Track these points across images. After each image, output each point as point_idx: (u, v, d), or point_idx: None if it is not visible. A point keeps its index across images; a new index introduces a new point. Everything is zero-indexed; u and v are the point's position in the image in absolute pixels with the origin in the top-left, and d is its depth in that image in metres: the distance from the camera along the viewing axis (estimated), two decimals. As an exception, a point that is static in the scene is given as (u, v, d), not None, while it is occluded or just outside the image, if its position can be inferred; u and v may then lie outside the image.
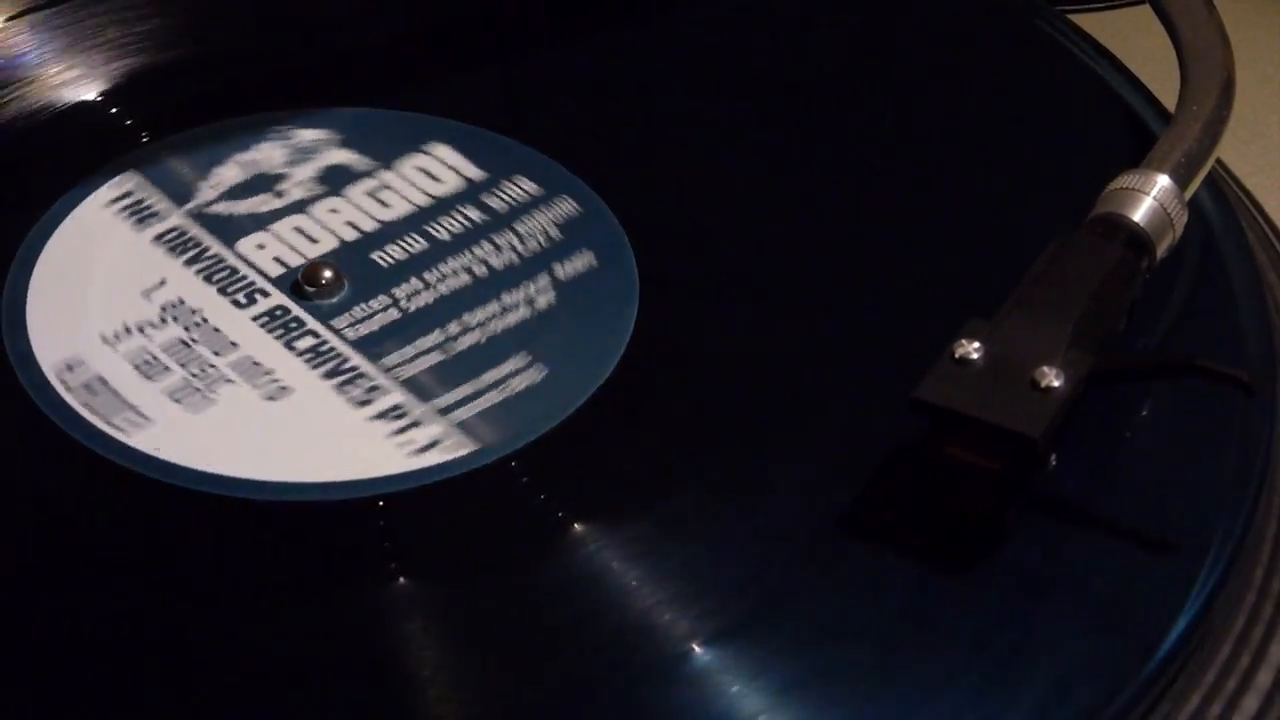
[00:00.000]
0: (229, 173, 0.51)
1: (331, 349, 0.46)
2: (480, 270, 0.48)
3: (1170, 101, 0.51)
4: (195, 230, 0.49)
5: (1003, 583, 0.41)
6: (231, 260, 0.48)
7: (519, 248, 0.49)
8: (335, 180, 0.51)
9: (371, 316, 0.47)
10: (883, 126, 0.54)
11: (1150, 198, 0.45)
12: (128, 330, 0.46)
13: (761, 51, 0.57)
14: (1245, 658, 0.41)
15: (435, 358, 0.46)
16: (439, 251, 0.49)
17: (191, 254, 0.48)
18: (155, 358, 0.45)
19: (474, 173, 0.51)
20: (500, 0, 0.59)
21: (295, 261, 0.48)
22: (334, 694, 0.38)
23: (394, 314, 0.47)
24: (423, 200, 0.50)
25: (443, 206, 0.50)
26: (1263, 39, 0.66)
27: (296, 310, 0.47)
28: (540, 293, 0.48)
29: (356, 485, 0.43)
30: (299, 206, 0.50)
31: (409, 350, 0.46)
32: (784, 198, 0.51)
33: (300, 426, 0.44)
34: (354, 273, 0.48)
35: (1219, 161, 0.52)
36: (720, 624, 0.39)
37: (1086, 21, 0.59)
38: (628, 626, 0.40)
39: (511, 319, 0.47)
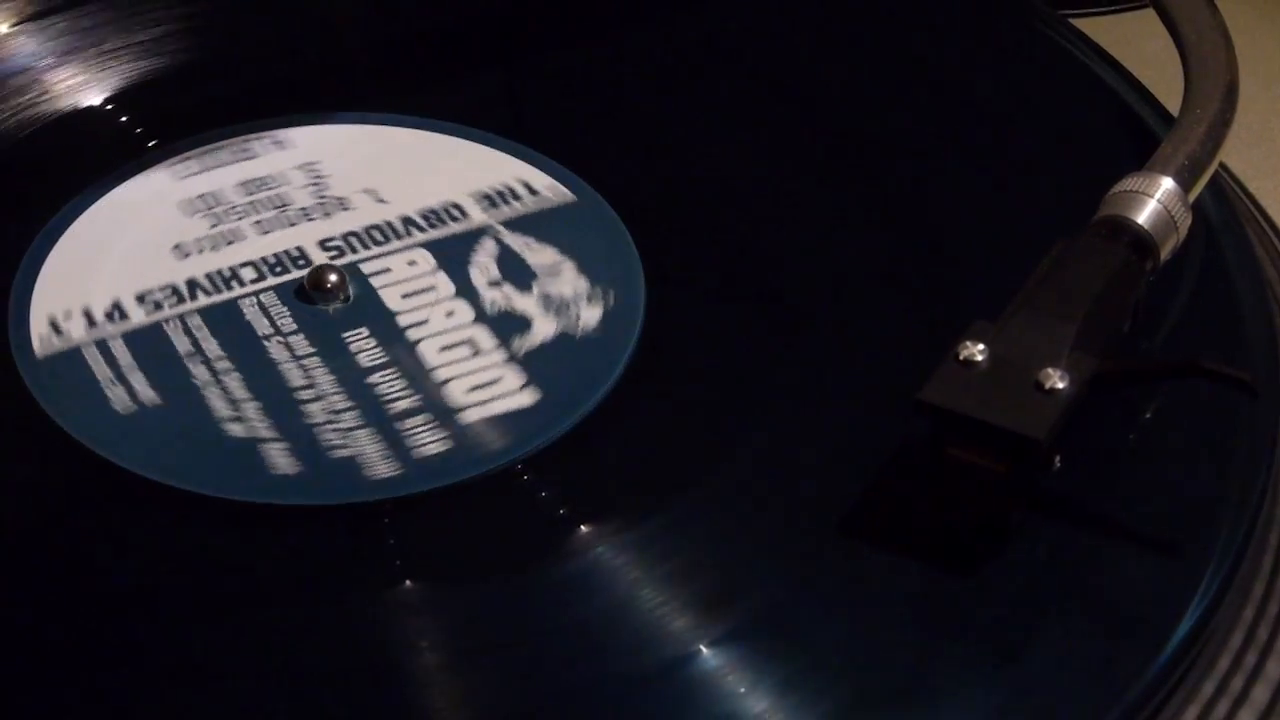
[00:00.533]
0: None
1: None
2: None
3: (1174, 105, 0.51)
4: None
5: (1007, 585, 0.40)
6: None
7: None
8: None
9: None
10: (886, 130, 0.54)
11: (1154, 200, 0.45)
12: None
13: (763, 55, 0.57)
14: (1251, 658, 0.41)
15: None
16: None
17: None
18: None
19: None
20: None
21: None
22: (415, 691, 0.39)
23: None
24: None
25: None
26: (1267, 43, 0.66)
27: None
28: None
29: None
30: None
31: None
32: (788, 201, 0.51)
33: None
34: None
35: (1223, 165, 0.52)
36: (725, 626, 0.39)
37: (1090, 25, 0.59)
38: (638, 625, 0.40)
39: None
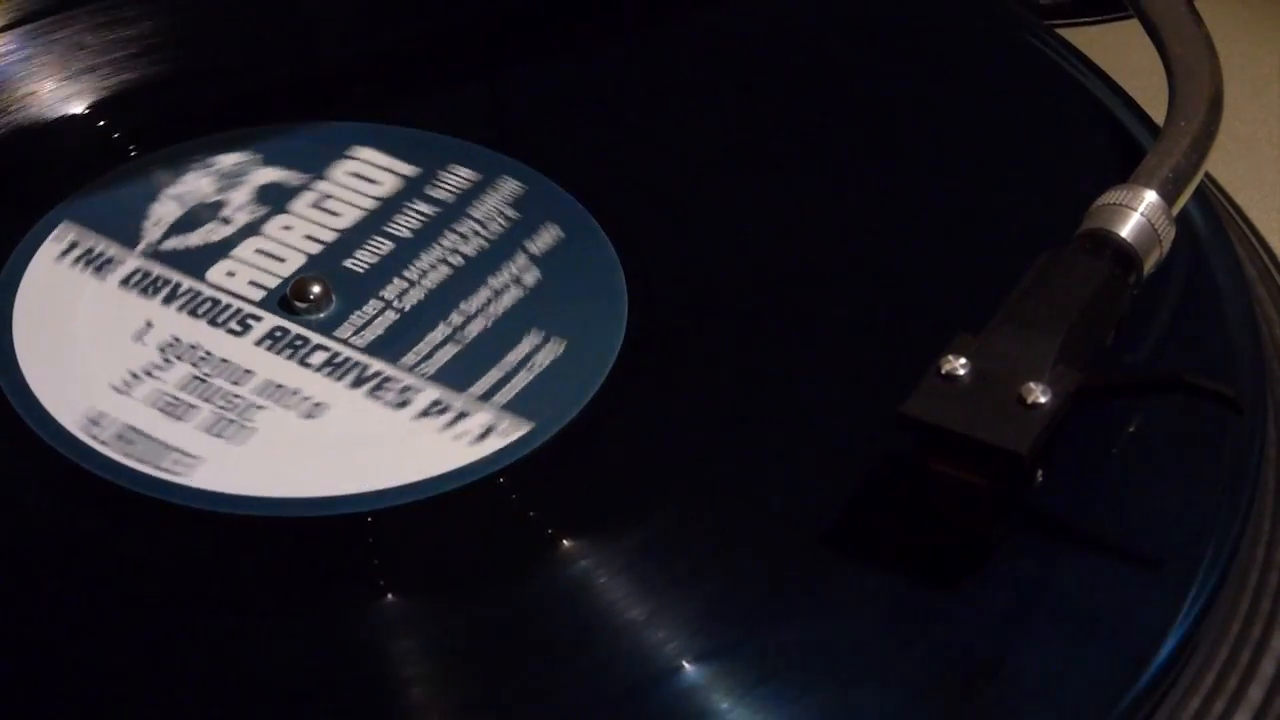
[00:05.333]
0: (166, 209, 0.50)
1: (347, 359, 0.46)
2: (456, 260, 0.49)
3: (1160, 116, 0.51)
4: (159, 269, 0.48)
5: (990, 599, 0.40)
6: (208, 291, 0.48)
7: (483, 232, 0.49)
8: (274, 198, 0.50)
9: (371, 322, 0.47)
10: (871, 140, 0.53)
11: (1138, 214, 0.45)
12: (135, 376, 0.45)
13: (749, 62, 0.57)
14: (1234, 679, 0.41)
15: (451, 349, 0.46)
16: (408, 249, 0.49)
17: (165, 292, 0.48)
18: (176, 397, 0.45)
19: (407, 169, 0.51)
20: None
21: (272, 282, 0.48)
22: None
23: (392, 315, 0.47)
24: (369, 203, 0.50)
25: (392, 206, 0.50)
26: (1252, 53, 0.66)
27: (295, 328, 0.47)
28: (523, 271, 0.48)
29: (432, 483, 0.43)
30: (251, 229, 0.49)
31: (423, 346, 0.46)
32: (770, 212, 0.51)
33: (350, 438, 0.44)
34: (335, 283, 0.48)
35: (1208, 175, 0.51)
36: (709, 639, 0.39)
37: (1075, 36, 0.58)
38: (620, 638, 0.40)
39: (507, 300, 0.47)
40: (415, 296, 0.48)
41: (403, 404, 0.45)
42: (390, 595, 0.41)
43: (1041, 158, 0.53)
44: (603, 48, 0.57)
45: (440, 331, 0.47)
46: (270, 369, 0.46)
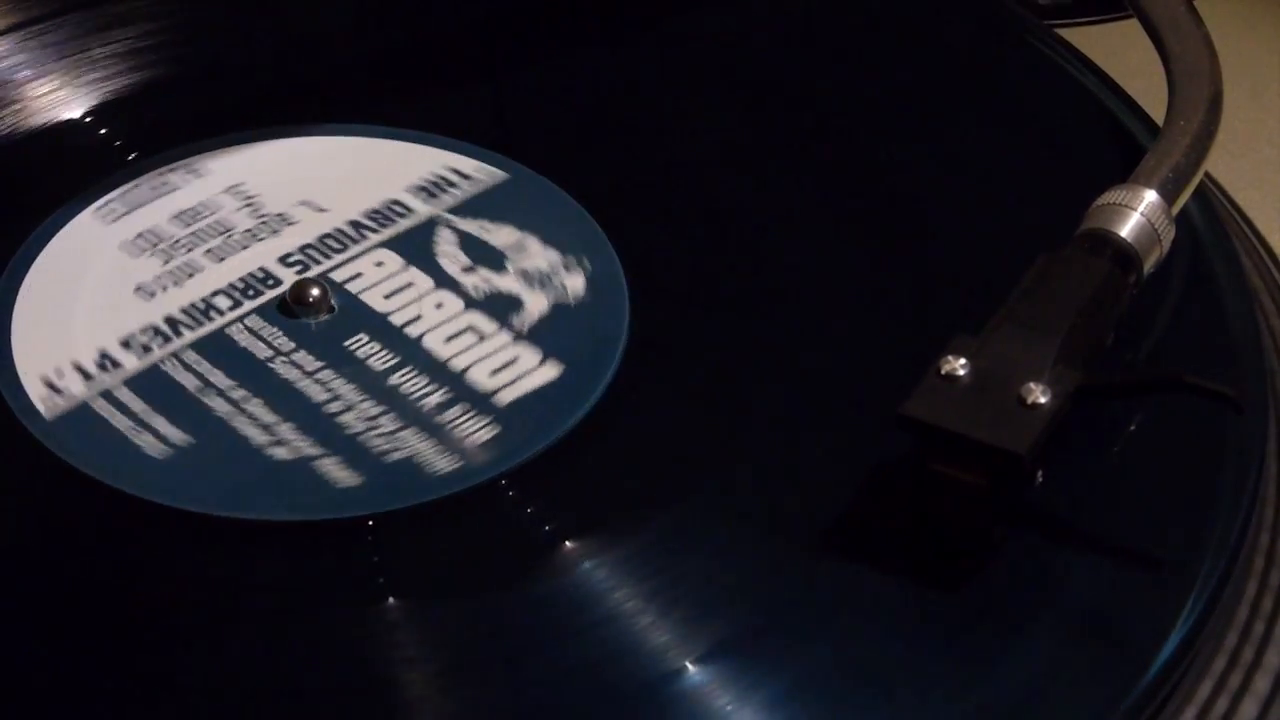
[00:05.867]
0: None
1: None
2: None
3: (1160, 116, 0.51)
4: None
5: (991, 600, 0.40)
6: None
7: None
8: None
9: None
10: (870, 140, 0.53)
11: (1137, 213, 0.45)
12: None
13: (748, 62, 0.57)
14: (1236, 677, 0.41)
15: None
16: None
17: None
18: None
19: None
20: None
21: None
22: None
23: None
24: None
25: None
26: (1253, 52, 0.66)
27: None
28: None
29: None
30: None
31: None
32: (768, 212, 0.51)
33: None
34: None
35: (1209, 175, 0.51)
36: (711, 639, 0.39)
37: (1075, 36, 0.58)
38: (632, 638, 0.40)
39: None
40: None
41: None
42: (392, 599, 0.41)
43: (1041, 157, 0.53)
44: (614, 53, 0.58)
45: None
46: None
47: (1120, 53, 0.60)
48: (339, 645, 0.40)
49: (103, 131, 0.54)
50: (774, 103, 0.55)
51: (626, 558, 0.41)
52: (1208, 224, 0.50)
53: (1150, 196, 0.46)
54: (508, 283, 0.48)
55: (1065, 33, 0.58)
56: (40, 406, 0.45)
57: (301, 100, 0.55)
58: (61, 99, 0.54)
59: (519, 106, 0.56)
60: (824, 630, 0.40)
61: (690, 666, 0.39)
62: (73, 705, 0.39)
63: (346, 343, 0.46)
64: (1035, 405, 0.40)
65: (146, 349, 0.46)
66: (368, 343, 0.46)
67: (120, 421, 0.44)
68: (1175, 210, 0.46)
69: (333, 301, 0.47)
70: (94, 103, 0.54)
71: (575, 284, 0.48)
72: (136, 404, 0.45)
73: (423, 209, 0.51)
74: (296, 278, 0.48)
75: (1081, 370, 0.41)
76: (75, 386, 0.45)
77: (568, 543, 0.42)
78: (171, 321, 0.47)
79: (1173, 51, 0.51)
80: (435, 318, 0.47)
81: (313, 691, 0.39)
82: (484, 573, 0.41)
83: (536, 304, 0.48)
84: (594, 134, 0.54)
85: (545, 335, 0.47)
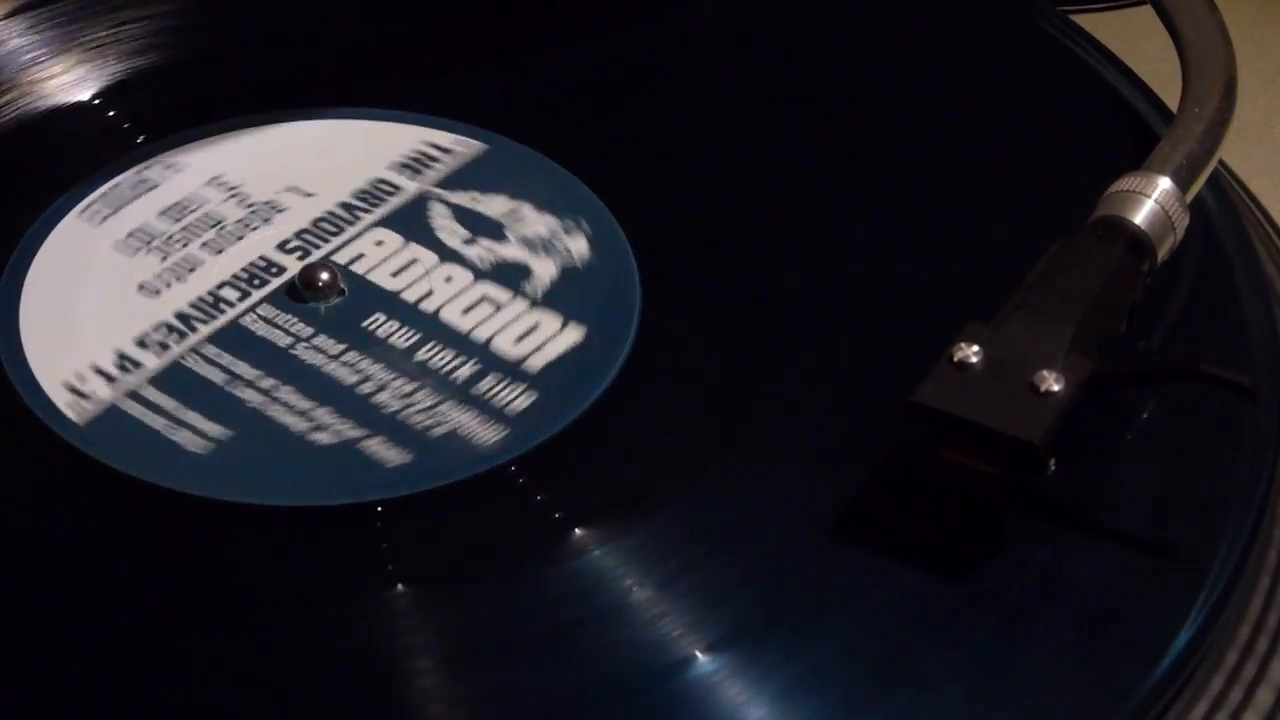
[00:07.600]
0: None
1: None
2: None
3: (1173, 102, 0.50)
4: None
5: (1003, 590, 0.40)
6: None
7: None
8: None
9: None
10: (883, 128, 0.53)
11: (1151, 200, 0.45)
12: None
13: (760, 52, 0.56)
14: (1250, 669, 0.41)
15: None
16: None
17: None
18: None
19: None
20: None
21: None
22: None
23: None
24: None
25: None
26: (1267, 39, 0.66)
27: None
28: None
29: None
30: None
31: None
32: (781, 201, 0.51)
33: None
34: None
35: (1223, 163, 0.51)
36: (720, 630, 0.39)
37: (1089, 22, 0.58)
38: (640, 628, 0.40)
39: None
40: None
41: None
42: (401, 585, 0.41)
43: (1054, 144, 0.53)
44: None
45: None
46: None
47: (1134, 38, 0.59)
48: (424, 621, 0.40)
49: (71, 132, 0.53)
50: (779, 92, 0.55)
51: (691, 505, 0.42)
52: (1222, 211, 0.50)
53: (1164, 183, 0.45)
54: (512, 251, 0.48)
55: (1078, 17, 0.58)
56: (69, 413, 0.44)
57: (269, 89, 0.55)
58: (25, 103, 0.54)
59: (490, 78, 0.56)
60: (834, 619, 0.40)
61: (700, 655, 0.39)
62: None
63: (365, 323, 0.46)
64: (1048, 393, 0.40)
65: (164, 346, 0.46)
66: (386, 321, 0.46)
67: (154, 420, 0.44)
68: (1189, 197, 0.46)
69: (342, 284, 0.47)
70: (57, 103, 0.54)
71: (579, 247, 0.48)
72: (167, 401, 0.44)
73: (410, 185, 0.50)
74: (302, 263, 0.48)
75: (1095, 358, 0.41)
76: (100, 390, 0.45)
77: (578, 530, 0.42)
78: (183, 317, 0.47)
79: (1187, 37, 0.51)
80: (448, 291, 0.47)
81: (398, 672, 0.39)
82: (552, 539, 0.41)
83: (545, 269, 0.48)
84: (571, 100, 0.54)
85: (560, 299, 0.47)
